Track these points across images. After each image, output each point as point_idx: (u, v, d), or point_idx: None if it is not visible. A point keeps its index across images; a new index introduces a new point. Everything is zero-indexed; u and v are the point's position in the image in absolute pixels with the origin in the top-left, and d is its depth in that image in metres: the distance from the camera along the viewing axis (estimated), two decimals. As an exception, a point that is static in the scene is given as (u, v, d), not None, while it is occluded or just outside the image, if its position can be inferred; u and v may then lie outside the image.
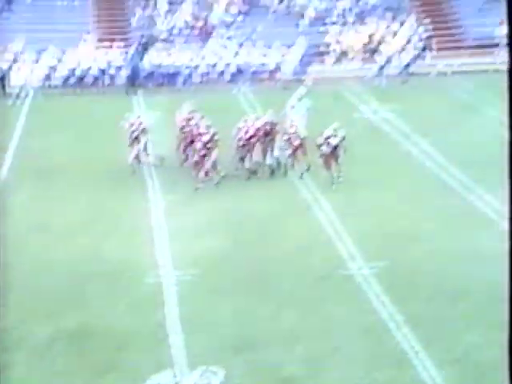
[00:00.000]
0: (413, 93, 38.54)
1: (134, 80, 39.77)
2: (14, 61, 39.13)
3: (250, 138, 26.24)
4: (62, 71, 39.85)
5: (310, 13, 46.19)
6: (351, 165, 27.39)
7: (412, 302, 17.93)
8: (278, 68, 40.88)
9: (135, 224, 23.04)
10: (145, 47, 42.03)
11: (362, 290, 18.71)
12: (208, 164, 25.56)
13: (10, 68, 38.77)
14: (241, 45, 42.99)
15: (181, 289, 18.88)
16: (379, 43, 43.34)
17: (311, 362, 15.80)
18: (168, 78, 40.37)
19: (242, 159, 26.49)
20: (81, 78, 39.84)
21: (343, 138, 25.14)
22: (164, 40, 43.60)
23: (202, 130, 26.21)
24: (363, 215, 23.20)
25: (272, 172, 26.51)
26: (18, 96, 37.63)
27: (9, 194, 25.13)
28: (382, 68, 41.15)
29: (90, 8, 46.14)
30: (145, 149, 27.14)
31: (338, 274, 19.52)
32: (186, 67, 40.48)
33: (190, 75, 40.44)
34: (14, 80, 38.21)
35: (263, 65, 41.06)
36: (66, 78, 39.80)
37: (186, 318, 17.52)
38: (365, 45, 43.97)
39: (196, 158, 25.89)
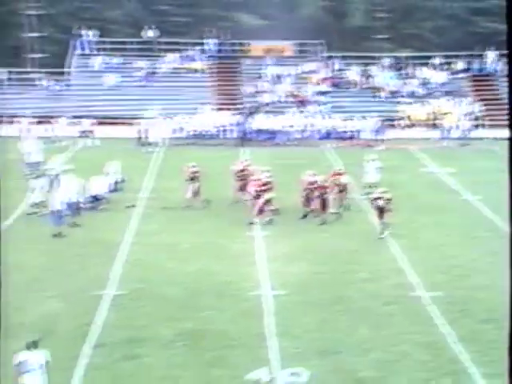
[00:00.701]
0: (470, 154, 38.10)
1: (244, 136, 40.26)
2: (150, 121, 40.07)
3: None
4: (186, 130, 40.71)
5: (386, 88, 46.38)
6: (417, 210, 27.20)
7: (465, 324, 17.63)
8: (359, 130, 40.92)
9: (241, 250, 23.23)
10: (252, 112, 42.63)
11: (424, 311, 18.46)
12: (260, 204, 25.47)
13: (149, 125, 39.71)
14: (330, 111, 43.30)
15: (276, 303, 18.91)
16: (443, 114, 43.16)
17: (382, 367, 15.65)
18: (271, 135, 40.79)
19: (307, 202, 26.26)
20: (202, 135, 40.60)
21: (390, 199, 24.20)
22: (269, 105, 44.20)
23: (255, 177, 26.46)
24: (426, 252, 22.97)
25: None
26: (153, 146, 38.43)
27: (143, 224, 25.70)
28: (445, 132, 40.84)
29: (209, 83, 47.14)
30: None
31: (404, 298, 19.29)
32: (286, 127, 40.85)
33: (289, 133, 40.79)
34: (150, 134, 39.04)
35: (347, 127, 41.18)
36: (191, 134, 40.60)
37: (280, 326, 17.53)
38: (430, 114, 43.89)
39: (250, 199, 26.06)
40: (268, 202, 25.62)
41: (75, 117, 41.00)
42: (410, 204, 27.97)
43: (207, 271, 21.16)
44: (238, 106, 44.61)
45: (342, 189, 26.94)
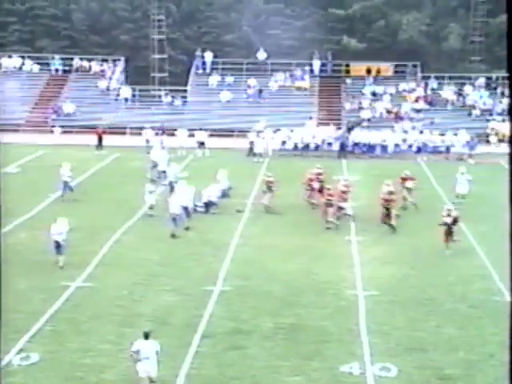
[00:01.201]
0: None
1: (344, 149, 39.97)
2: (259, 134, 40.32)
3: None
4: (291, 143, 40.73)
5: (480, 106, 45.22)
6: (505, 219, 26.30)
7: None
8: (451, 145, 39.96)
9: (338, 252, 23.05)
10: (352, 126, 42.26)
11: (508, 315, 17.85)
12: (333, 210, 25.24)
13: (258, 138, 39.95)
14: (425, 127, 42.46)
15: (369, 302, 18.70)
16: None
17: (467, 366, 15.22)
18: (369, 148, 40.29)
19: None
20: (306, 146, 40.55)
21: (457, 217, 22.98)
22: (368, 121, 43.77)
23: (327, 186, 26.41)
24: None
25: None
26: (260, 157, 38.66)
27: (249, 226, 25.88)
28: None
29: (313, 100, 47.11)
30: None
31: (489, 301, 18.74)
32: (383, 141, 40.28)
33: (385, 147, 40.19)
34: (259, 146, 39.29)
35: (442, 141, 40.25)
36: (295, 146, 40.62)
37: (372, 324, 17.32)
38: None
39: (322, 205, 25.84)
40: (340, 209, 25.56)
41: (193, 129, 41.72)
42: (497, 213, 27.06)
43: (307, 271, 21.12)
44: (339, 121, 44.38)
45: (408, 192, 27.21)
